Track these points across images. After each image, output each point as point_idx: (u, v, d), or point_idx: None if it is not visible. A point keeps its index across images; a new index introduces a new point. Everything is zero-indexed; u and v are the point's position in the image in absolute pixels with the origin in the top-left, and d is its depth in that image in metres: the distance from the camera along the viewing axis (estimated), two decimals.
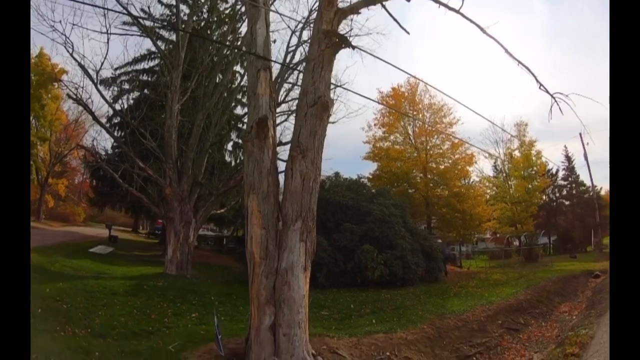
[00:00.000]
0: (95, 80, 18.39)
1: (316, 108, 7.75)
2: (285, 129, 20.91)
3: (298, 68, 18.27)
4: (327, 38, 8.19)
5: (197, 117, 20.04)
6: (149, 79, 29.18)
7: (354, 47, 9.00)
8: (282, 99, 20.64)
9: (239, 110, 28.76)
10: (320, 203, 8.02)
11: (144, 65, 29.86)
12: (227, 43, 21.85)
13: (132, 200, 24.62)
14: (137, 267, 20.11)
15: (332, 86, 9.15)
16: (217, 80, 21.77)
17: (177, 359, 7.88)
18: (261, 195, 7.45)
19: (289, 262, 7.29)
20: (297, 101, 18.67)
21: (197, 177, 19.75)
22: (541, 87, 8.98)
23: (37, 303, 10.14)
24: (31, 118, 35.94)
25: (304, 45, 20.38)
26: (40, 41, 69.69)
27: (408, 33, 8.63)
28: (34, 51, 33.13)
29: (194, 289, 15.24)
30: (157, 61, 28.82)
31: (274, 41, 18.45)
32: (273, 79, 9.21)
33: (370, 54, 10.33)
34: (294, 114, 19.40)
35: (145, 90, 26.39)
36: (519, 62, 8.66)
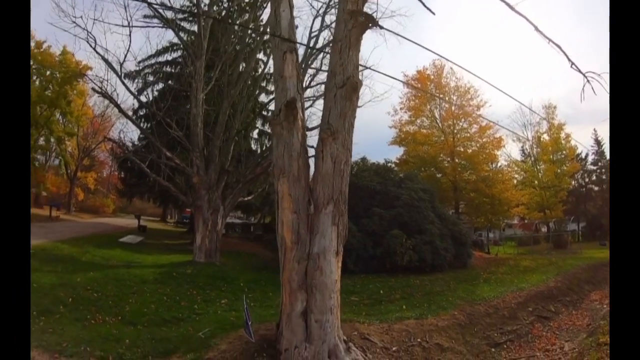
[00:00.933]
0: (120, 73, 18.59)
1: (345, 89, 7.54)
2: (311, 114, 20.82)
3: (325, 50, 18.06)
4: (353, 18, 7.95)
5: (222, 105, 20.10)
6: (172, 70, 29.41)
7: (381, 27, 8.72)
8: (307, 84, 20.50)
9: (263, 98, 28.83)
10: (348, 188, 7.84)
11: (167, 57, 30.12)
12: (250, 29, 21.73)
13: (160, 190, 24.95)
14: (167, 255, 20.44)
15: (360, 67, 8.90)
16: (241, 69, 21.72)
17: (207, 345, 7.85)
18: (292, 179, 7.29)
19: (321, 246, 7.15)
20: (322, 86, 18.34)
21: (224, 165, 19.86)
22: (573, 65, 8.57)
23: (68, 292, 10.47)
24: (58, 114, 36.80)
25: (328, 29, 20.26)
26: (62, 37, 71.18)
27: (433, 14, 8.32)
28: (57, 49, 33.91)
29: (223, 276, 15.43)
30: (179, 53, 29.02)
31: (296, 27, 18.26)
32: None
33: (398, 35, 10.03)
34: (320, 99, 19.36)
35: (170, 82, 26.59)
36: (550, 40, 8.27)
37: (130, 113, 26.44)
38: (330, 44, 18.32)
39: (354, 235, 17.01)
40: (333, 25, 20.07)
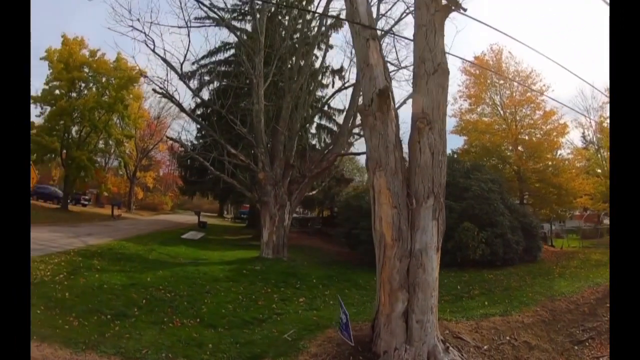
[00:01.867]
0: (181, 73, 18.81)
1: (437, 75, 7.13)
2: None
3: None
4: (434, 1, 7.53)
5: (285, 100, 20.03)
6: (227, 69, 29.72)
7: (464, 10, 8.23)
8: None
9: (319, 92, 28.55)
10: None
11: (220, 56, 30.54)
12: (320, 14, 21.57)
13: (223, 187, 25.25)
14: (231, 251, 20.56)
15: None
16: (301, 63, 21.61)
17: (296, 348, 7.50)
18: (389, 172, 6.93)
19: (423, 242, 6.80)
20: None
21: (289, 160, 19.81)
22: None
23: (141, 293, 10.37)
24: (116, 118, 38.00)
25: (384, 18, 19.97)
26: (120, 41, 73.90)
27: None
28: (112, 55, 35.04)
29: (294, 272, 15.27)
30: (232, 52, 29.32)
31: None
32: None
33: (475, 19, 9.50)
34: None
35: (224, 80, 26.87)
36: None
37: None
38: (388, 33, 18.07)
39: None
40: (388, 14, 19.92)
